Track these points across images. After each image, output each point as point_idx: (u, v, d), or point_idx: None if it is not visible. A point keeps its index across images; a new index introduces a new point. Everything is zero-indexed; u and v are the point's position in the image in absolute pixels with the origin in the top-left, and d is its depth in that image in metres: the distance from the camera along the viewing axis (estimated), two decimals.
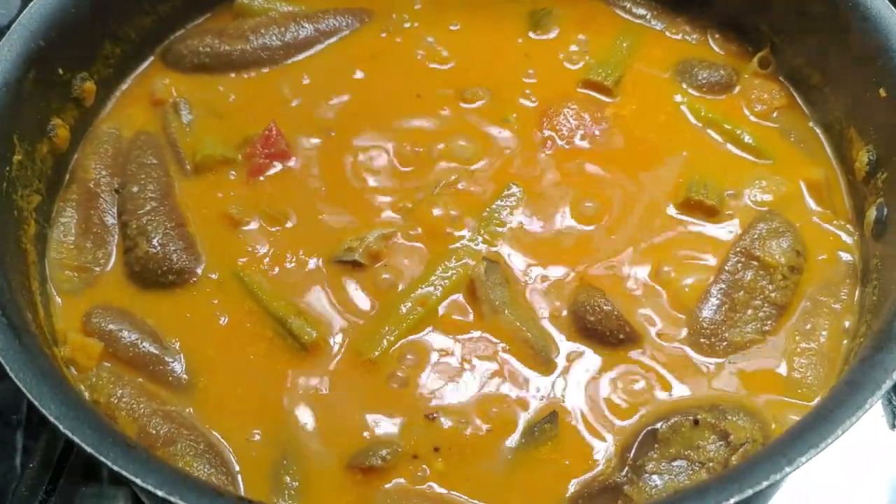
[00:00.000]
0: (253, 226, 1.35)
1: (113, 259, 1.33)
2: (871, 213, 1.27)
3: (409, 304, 1.25)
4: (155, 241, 1.30)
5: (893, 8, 1.31)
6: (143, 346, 1.23)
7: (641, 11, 1.65)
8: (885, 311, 1.09)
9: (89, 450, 0.91)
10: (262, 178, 1.40)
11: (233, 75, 1.55)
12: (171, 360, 1.22)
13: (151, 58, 1.58)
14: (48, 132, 1.35)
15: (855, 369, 1.01)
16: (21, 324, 1.08)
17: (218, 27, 1.60)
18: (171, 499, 0.87)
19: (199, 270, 1.31)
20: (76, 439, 0.92)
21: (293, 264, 1.32)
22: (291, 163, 1.42)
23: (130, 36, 1.52)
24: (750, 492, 0.87)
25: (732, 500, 0.87)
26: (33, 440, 1.43)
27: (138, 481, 0.89)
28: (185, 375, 1.21)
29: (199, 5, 1.62)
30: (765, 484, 0.87)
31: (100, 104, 1.49)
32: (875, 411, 1.41)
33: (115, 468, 0.90)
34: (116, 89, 1.53)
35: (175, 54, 1.57)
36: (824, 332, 1.25)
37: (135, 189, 1.36)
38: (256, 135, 1.42)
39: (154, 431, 1.14)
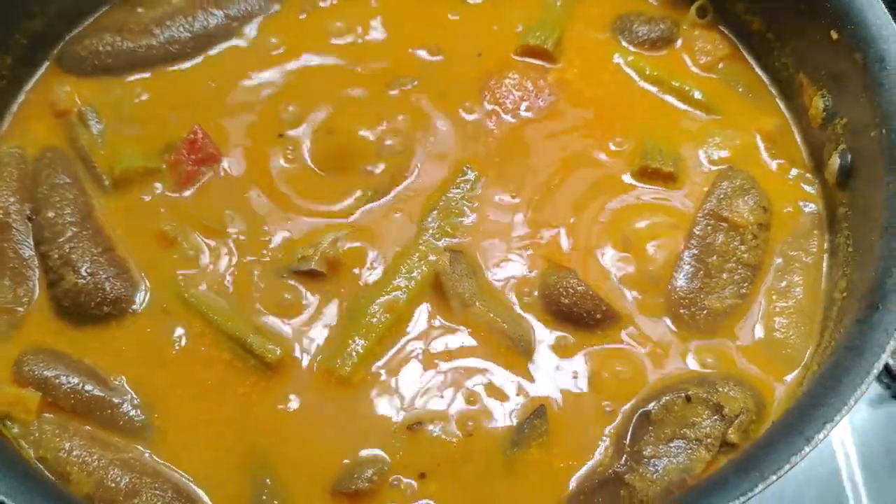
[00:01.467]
0: (190, 241, 1.24)
1: (36, 295, 1.20)
2: (835, 161, 1.24)
3: (377, 311, 1.17)
4: (83, 271, 1.18)
5: None
6: (86, 390, 1.11)
7: None
8: (871, 265, 1.06)
9: None
10: (192, 187, 1.28)
11: (141, 75, 1.41)
12: (119, 400, 1.11)
13: (46, 63, 1.42)
14: None
15: (853, 333, 0.98)
16: None
17: (117, 22, 1.45)
18: None
19: (136, 297, 1.19)
20: None
21: (240, 279, 1.21)
22: (223, 166, 1.30)
23: (20, 42, 1.36)
24: (774, 478, 0.83)
25: (758, 489, 0.82)
26: None
27: None
28: (137, 416, 1.11)
29: (93, 2, 1.46)
30: (786, 468, 0.83)
31: None
32: None
33: None
34: (12, 103, 1.37)
35: (72, 57, 1.41)
36: (799, 289, 1.22)
37: (50, 214, 1.23)
38: (180, 139, 1.30)
39: (113, 484, 1.04)
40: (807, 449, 0.86)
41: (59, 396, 1.10)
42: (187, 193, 1.28)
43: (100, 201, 1.27)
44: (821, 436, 0.86)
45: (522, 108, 1.39)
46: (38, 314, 1.18)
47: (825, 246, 1.25)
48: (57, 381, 1.11)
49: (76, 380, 1.11)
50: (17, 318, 1.17)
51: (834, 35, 1.25)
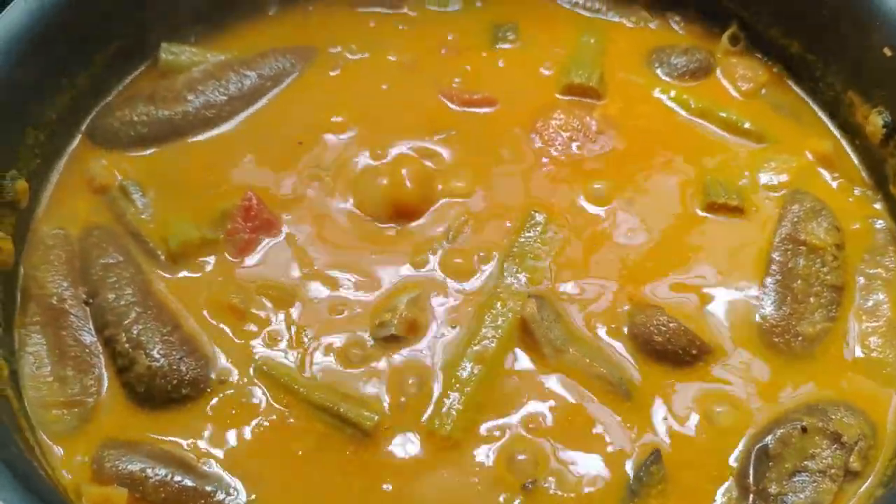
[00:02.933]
0: (260, 312, 1.17)
1: (105, 383, 1.12)
2: None
3: (468, 364, 1.12)
4: (155, 353, 1.11)
5: None
6: (176, 481, 1.03)
7: (596, 5, 1.57)
8: None
9: None
10: (253, 254, 1.22)
11: (179, 142, 1.35)
12: (212, 488, 1.04)
13: (78, 137, 1.35)
14: None
15: None
16: (49, 495, 0.87)
17: (147, 90, 1.40)
18: None
19: (212, 375, 1.12)
20: None
21: (319, 347, 1.15)
22: (283, 230, 1.25)
23: (51, 117, 1.30)
24: None
25: None
26: None
27: None
28: (234, 501, 1.03)
29: (120, 70, 1.41)
30: None
31: (35, 202, 1.26)
32: None
33: None
34: (48, 182, 1.30)
35: (106, 130, 1.35)
36: (886, 306, 1.21)
37: (110, 296, 1.16)
38: (234, 207, 1.24)
39: None
40: None
41: (147, 491, 1.02)
42: (249, 262, 1.22)
43: (158, 277, 1.21)
44: None
45: (573, 147, 1.37)
46: (110, 403, 1.11)
47: None
48: (143, 474, 1.03)
49: (163, 471, 1.03)
50: (86, 410, 1.09)
51: (888, 52, 1.25)
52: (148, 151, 1.34)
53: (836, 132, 1.40)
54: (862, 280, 1.24)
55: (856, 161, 1.37)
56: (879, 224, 1.29)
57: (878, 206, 1.31)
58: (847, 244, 1.26)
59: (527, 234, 1.25)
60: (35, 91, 1.26)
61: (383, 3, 1.56)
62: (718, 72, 1.48)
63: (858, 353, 1.17)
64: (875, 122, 1.30)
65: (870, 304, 1.21)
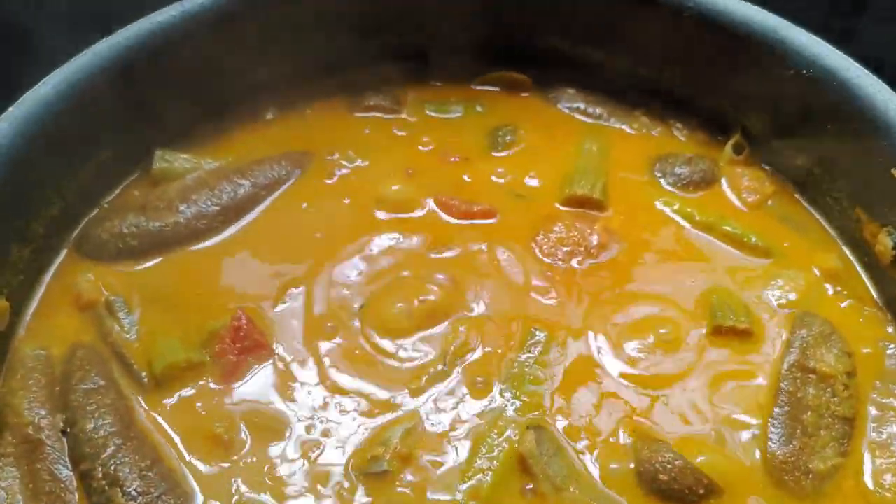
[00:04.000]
0: (244, 443, 1.12)
1: None
2: None
3: (462, 500, 1.06)
4: (132, 490, 1.05)
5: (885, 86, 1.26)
6: None
7: (597, 111, 1.55)
8: None
9: None
10: (241, 379, 1.17)
11: (168, 255, 1.32)
12: None
13: (65, 251, 1.32)
14: None
15: None
16: None
17: (138, 200, 1.37)
18: None
19: None
20: None
21: (306, 483, 1.09)
22: (271, 355, 1.20)
23: (38, 232, 1.26)
24: None
25: None
26: None
27: None
28: None
29: (111, 178, 1.38)
30: None
31: (16, 321, 1.22)
32: None
33: None
34: (32, 298, 1.26)
35: (93, 241, 1.32)
36: None
37: (88, 426, 1.11)
38: (223, 327, 1.20)
39: None
40: None
41: None
42: (237, 387, 1.17)
43: (140, 402, 1.16)
44: None
45: (574, 262, 1.33)
46: None
47: None
48: None
49: None
50: None
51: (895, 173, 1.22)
52: (137, 265, 1.31)
53: (845, 248, 1.36)
54: (874, 411, 1.18)
55: (865, 279, 1.33)
56: (891, 349, 1.24)
57: (889, 329, 1.26)
58: (858, 369, 1.21)
59: (526, 355, 1.20)
60: (21, 206, 1.23)
61: (382, 108, 1.54)
62: (723, 182, 1.45)
63: (873, 491, 1.11)
64: (884, 242, 1.26)
65: (883, 436, 1.16)
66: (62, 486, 1.08)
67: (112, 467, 1.07)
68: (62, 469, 1.09)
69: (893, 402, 1.19)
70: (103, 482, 1.06)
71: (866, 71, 1.27)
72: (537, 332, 1.22)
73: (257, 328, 1.21)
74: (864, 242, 1.32)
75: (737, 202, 1.43)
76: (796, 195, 1.44)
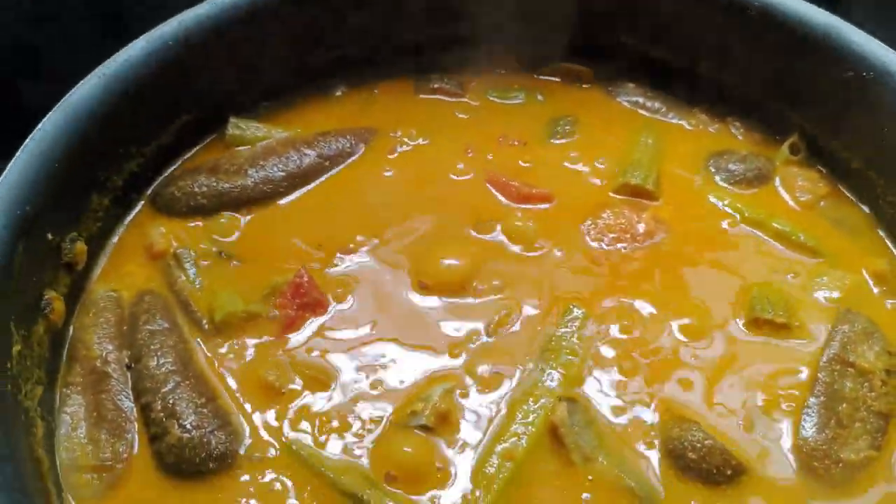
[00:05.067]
0: (295, 391, 1.19)
1: (136, 450, 1.14)
2: None
3: (497, 461, 1.11)
4: (188, 424, 1.12)
5: None
6: None
7: (656, 105, 1.58)
8: None
9: None
10: (296, 333, 1.24)
11: (234, 214, 1.39)
12: None
13: (141, 204, 1.40)
14: (43, 309, 1.17)
15: None
16: None
17: (210, 163, 1.45)
18: None
19: (241, 451, 1.13)
20: None
21: (349, 433, 1.15)
22: (327, 312, 1.26)
23: (117, 183, 1.35)
24: None
25: None
26: None
27: None
28: None
29: (188, 141, 1.47)
30: None
31: (92, 265, 1.31)
32: None
33: None
34: (107, 245, 1.35)
35: (167, 198, 1.40)
36: None
37: (151, 363, 1.18)
38: (285, 283, 1.26)
39: None
40: None
41: None
42: (292, 339, 1.24)
43: (200, 347, 1.23)
44: None
45: (619, 246, 1.36)
46: (138, 471, 1.12)
47: None
48: None
49: None
50: (115, 476, 1.11)
51: None
52: (205, 222, 1.38)
53: None
54: None
55: None
56: None
57: None
58: None
59: (564, 329, 1.24)
60: (105, 159, 1.32)
61: (446, 91, 1.60)
62: (777, 181, 1.46)
63: None
64: None
65: None
66: (123, 415, 1.16)
67: (170, 402, 1.14)
68: (124, 400, 1.17)
69: None
70: (161, 414, 1.13)
71: None
72: (575, 309, 1.26)
73: (317, 287, 1.27)
74: None
75: (789, 201, 1.44)
76: (850, 197, 1.44)
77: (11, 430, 0.99)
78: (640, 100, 1.59)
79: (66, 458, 1.12)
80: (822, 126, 1.45)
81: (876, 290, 1.32)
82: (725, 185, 1.46)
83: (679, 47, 1.55)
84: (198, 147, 1.49)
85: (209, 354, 1.22)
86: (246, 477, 1.11)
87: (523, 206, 1.42)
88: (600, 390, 1.20)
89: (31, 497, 0.95)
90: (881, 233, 1.40)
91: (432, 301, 1.28)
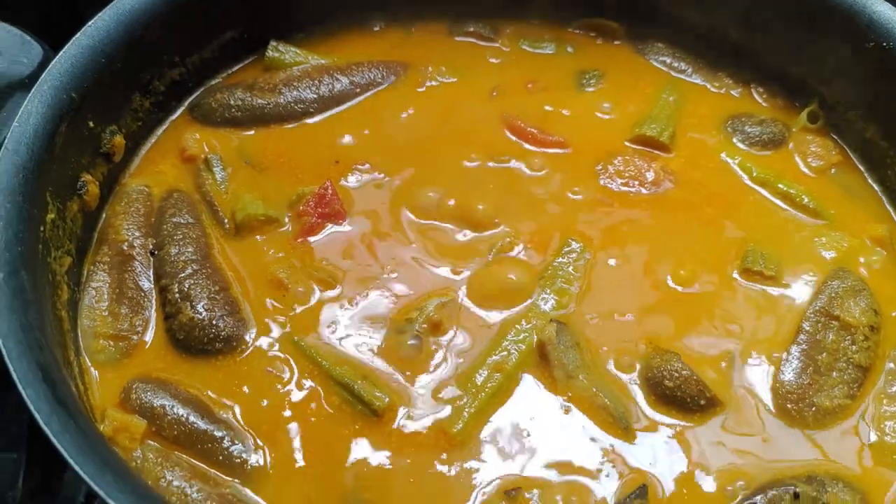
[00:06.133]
0: (303, 289, 1.26)
1: (152, 326, 1.23)
2: None
3: (486, 372, 1.17)
4: (200, 307, 1.20)
5: None
6: (191, 422, 1.12)
7: (682, 66, 1.62)
8: None
9: None
10: (312, 239, 1.32)
11: (265, 129, 1.47)
12: (221, 434, 1.12)
13: (179, 111, 1.49)
14: (79, 189, 1.26)
15: None
16: (74, 404, 0.97)
17: (248, 80, 1.53)
18: None
19: (247, 337, 1.21)
20: None
21: (348, 329, 1.23)
22: (345, 224, 1.34)
23: (160, 89, 1.44)
24: None
25: None
26: None
27: None
28: (238, 451, 1.11)
29: (229, 58, 1.55)
30: None
31: (128, 159, 1.40)
32: None
33: None
34: (144, 144, 1.44)
35: (204, 108, 1.49)
36: None
37: (173, 250, 1.27)
38: (309, 193, 1.34)
39: None
40: None
41: (163, 426, 1.11)
42: (307, 244, 1.31)
43: (220, 243, 1.31)
44: None
45: (626, 190, 1.41)
46: (151, 344, 1.21)
47: None
48: (163, 410, 1.12)
49: (182, 411, 1.12)
50: (130, 345, 1.20)
51: None
52: (238, 134, 1.46)
53: None
54: (891, 365, 1.23)
55: None
56: None
57: None
58: (886, 330, 1.26)
59: (561, 260, 1.30)
60: (150, 63, 1.41)
61: (480, 35, 1.65)
62: (791, 146, 1.50)
63: (872, 435, 1.16)
64: None
65: (894, 389, 1.20)
66: (143, 294, 1.25)
67: (186, 286, 1.23)
68: (145, 282, 1.26)
69: None
70: (177, 296, 1.22)
71: None
72: (574, 243, 1.32)
73: (339, 199, 1.35)
74: None
75: (801, 166, 1.48)
76: (861, 167, 1.47)
77: (38, 283, 1.08)
78: (668, 59, 1.63)
79: (86, 325, 1.21)
80: (841, 95, 1.48)
81: (873, 256, 1.35)
82: (741, 145, 1.49)
83: (709, 12, 1.59)
84: (238, 66, 1.57)
85: (227, 250, 1.31)
86: (248, 361, 1.19)
87: (540, 149, 1.48)
88: (590, 318, 1.25)
89: (52, 347, 1.04)
90: (886, 203, 1.43)
91: (440, 224, 1.35)
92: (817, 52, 1.48)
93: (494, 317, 1.25)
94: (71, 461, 0.87)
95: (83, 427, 0.93)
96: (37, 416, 0.90)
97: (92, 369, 1.17)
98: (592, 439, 1.14)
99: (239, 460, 1.10)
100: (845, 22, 1.41)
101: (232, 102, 1.48)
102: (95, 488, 0.85)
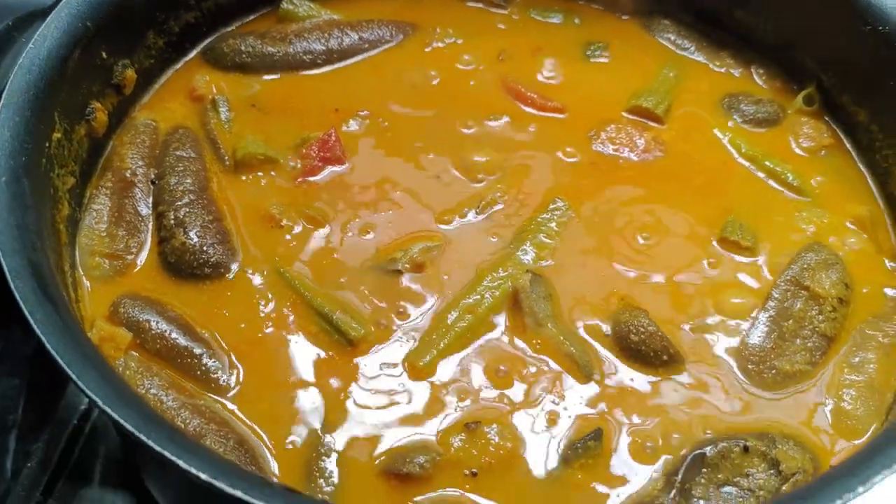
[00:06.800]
0: (293, 225, 1.32)
1: (146, 249, 1.29)
2: None
3: (458, 313, 1.22)
4: (192, 233, 1.26)
5: None
6: (173, 338, 1.18)
7: (686, 44, 1.65)
8: None
9: (132, 430, 0.86)
10: (310, 179, 1.37)
11: (272, 76, 1.53)
12: (200, 351, 1.17)
13: (192, 53, 1.55)
14: (87, 115, 1.32)
15: None
16: (62, 302, 1.03)
17: (261, 29, 1.59)
18: (216, 483, 0.82)
19: (234, 266, 1.27)
20: (121, 421, 0.87)
21: (333, 266, 1.28)
22: (342, 169, 1.39)
23: (174, 29, 1.50)
24: None
25: None
26: (27, 443, 1.39)
27: (181, 464, 0.84)
28: (215, 367, 1.16)
29: (244, 7, 1.61)
30: (838, 502, 0.84)
31: (139, 94, 1.46)
32: None
33: (159, 449, 0.85)
34: (156, 81, 1.50)
35: (216, 52, 1.55)
36: (872, 366, 1.22)
37: (172, 181, 1.33)
38: (314, 138, 1.39)
39: (183, 425, 1.09)
40: (861, 489, 0.86)
41: (147, 339, 1.17)
42: (304, 185, 1.36)
43: (218, 178, 1.37)
44: (878, 478, 0.86)
45: (617, 155, 1.45)
46: (144, 265, 1.27)
47: None
48: (148, 325, 1.18)
49: (165, 327, 1.18)
50: (124, 264, 1.26)
51: None
52: (246, 79, 1.52)
53: (882, 203, 1.42)
54: (857, 337, 1.25)
55: (891, 233, 1.38)
56: (891, 293, 1.30)
57: None
58: (855, 304, 1.28)
59: (544, 216, 1.34)
60: (166, 4, 1.47)
61: (491, 2, 1.69)
62: (785, 126, 1.52)
63: (829, 400, 1.19)
64: None
65: (857, 359, 1.22)
66: (140, 219, 1.31)
67: (181, 214, 1.29)
68: (144, 208, 1.32)
69: (879, 335, 1.25)
70: (172, 222, 1.28)
71: None
72: (559, 201, 1.36)
73: (342, 146, 1.40)
74: None
75: (793, 146, 1.50)
76: (851, 151, 1.49)
77: (39, 194, 1.15)
78: (672, 36, 1.66)
79: (85, 242, 1.28)
80: (837, 78, 1.50)
81: (851, 233, 1.37)
82: (734, 122, 1.52)
83: None
84: (253, 16, 1.63)
85: (225, 186, 1.36)
86: (232, 286, 1.25)
87: (538, 112, 1.52)
88: (566, 273, 1.29)
89: (46, 251, 1.10)
90: (872, 186, 1.45)
91: (433, 174, 1.40)
92: (817, 34, 1.51)
93: (475, 263, 1.29)
94: (50, 348, 0.92)
95: (67, 322, 0.99)
96: (23, 306, 0.96)
97: (85, 282, 1.23)
98: (555, 384, 1.18)
99: (214, 376, 1.16)
100: (844, 4, 1.43)
101: (243, 48, 1.54)
102: (70, 373, 0.91)
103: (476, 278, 1.27)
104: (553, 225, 1.33)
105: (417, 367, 1.17)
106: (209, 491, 0.84)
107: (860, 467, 0.89)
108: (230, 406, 1.14)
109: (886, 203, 1.41)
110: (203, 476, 0.83)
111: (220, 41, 1.56)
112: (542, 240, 1.31)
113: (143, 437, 0.86)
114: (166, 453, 0.84)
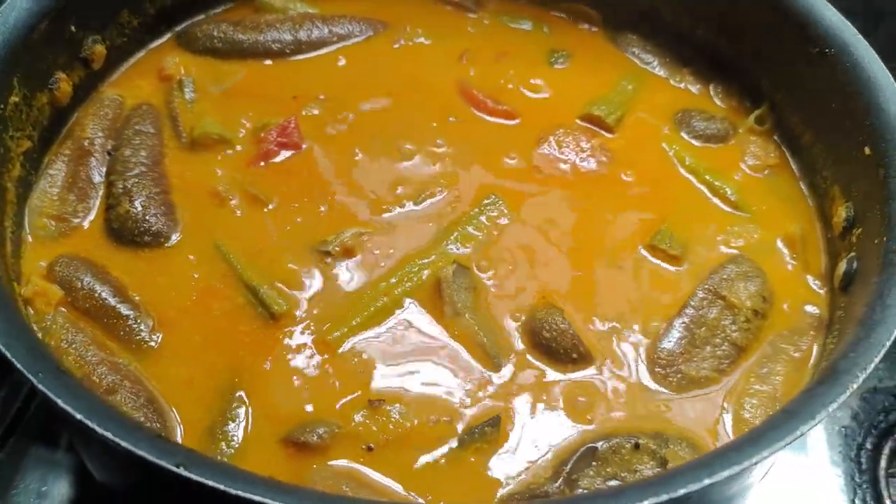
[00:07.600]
0: (236, 203, 1.37)
1: (93, 214, 1.35)
2: (842, 266, 1.27)
3: (373, 293, 1.26)
4: (137, 203, 1.33)
5: (887, 71, 1.33)
6: (103, 298, 1.23)
7: (649, 58, 1.68)
8: (837, 350, 1.08)
9: (19, 366, 0.92)
10: (262, 163, 1.43)
11: (241, 62, 1.59)
12: (127, 313, 1.23)
13: (167, 36, 1.62)
14: (50, 84, 1.39)
15: (795, 400, 1.00)
16: None
17: (236, 18, 1.65)
18: (85, 421, 0.87)
19: (174, 237, 1.33)
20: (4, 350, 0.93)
21: (268, 245, 1.33)
22: (295, 154, 1.44)
23: (149, 11, 1.57)
24: (665, 497, 0.86)
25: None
26: None
27: (60, 402, 0.89)
28: (139, 329, 1.22)
29: None
30: (681, 492, 0.86)
31: (108, 70, 1.53)
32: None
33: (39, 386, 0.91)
34: (127, 59, 1.57)
35: (189, 36, 1.62)
36: (779, 378, 1.24)
37: (127, 152, 1.39)
38: (274, 123, 1.45)
39: (97, 380, 1.15)
40: (707, 480, 0.88)
41: (77, 298, 1.23)
42: (256, 167, 1.42)
43: (172, 154, 1.43)
44: (725, 472, 0.89)
45: (560, 158, 1.48)
46: (88, 229, 1.33)
47: (814, 349, 1.27)
48: (80, 284, 1.24)
49: (98, 287, 1.24)
50: (69, 226, 1.33)
51: (867, 151, 1.29)
52: (216, 63, 1.59)
53: (817, 224, 1.44)
54: (768, 349, 1.27)
55: (822, 254, 1.39)
56: (812, 309, 1.31)
57: (821, 293, 1.33)
58: (772, 318, 1.30)
59: (476, 210, 1.38)
60: None
61: (463, 6, 1.74)
62: (733, 143, 1.55)
63: (729, 407, 1.21)
64: (840, 214, 1.34)
65: (765, 370, 1.24)
66: (91, 186, 1.38)
67: (130, 184, 1.35)
68: (97, 176, 1.39)
69: (791, 350, 1.27)
70: (120, 191, 1.34)
71: (876, 56, 1.34)
72: (494, 197, 1.40)
73: (300, 133, 1.46)
74: (829, 217, 1.39)
75: (740, 163, 1.52)
76: (795, 173, 1.51)
77: None
78: (637, 50, 1.69)
79: (35, 204, 1.34)
80: (787, 100, 1.53)
81: (781, 251, 1.39)
82: (684, 137, 1.55)
83: (681, 10, 1.65)
84: (230, 5, 1.70)
85: (178, 162, 1.43)
86: (168, 255, 1.31)
87: (490, 117, 1.56)
88: (490, 267, 1.33)
89: None
90: (812, 207, 1.46)
91: (380, 165, 1.45)
92: (771, 56, 1.54)
93: (405, 250, 1.34)
94: None
95: None
96: None
97: (29, 238, 1.30)
98: (463, 370, 1.22)
99: (138, 338, 1.21)
100: (795, 27, 1.45)
101: (215, 34, 1.61)
102: None
103: (399, 263, 1.32)
104: (484, 219, 1.37)
105: (327, 341, 1.21)
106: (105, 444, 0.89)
107: (712, 461, 0.91)
108: (149, 368, 1.19)
109: (821, 223, 1.43)
110: (78, 416, 0.88)
111: (195, 26, 1.63)
112: (469, 231, 1.35)
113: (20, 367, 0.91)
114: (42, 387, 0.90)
